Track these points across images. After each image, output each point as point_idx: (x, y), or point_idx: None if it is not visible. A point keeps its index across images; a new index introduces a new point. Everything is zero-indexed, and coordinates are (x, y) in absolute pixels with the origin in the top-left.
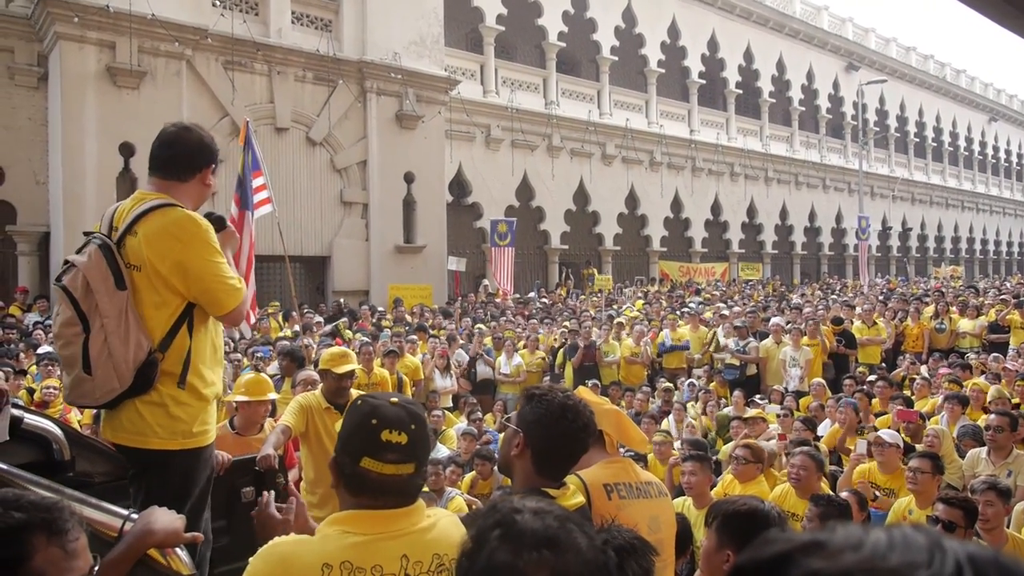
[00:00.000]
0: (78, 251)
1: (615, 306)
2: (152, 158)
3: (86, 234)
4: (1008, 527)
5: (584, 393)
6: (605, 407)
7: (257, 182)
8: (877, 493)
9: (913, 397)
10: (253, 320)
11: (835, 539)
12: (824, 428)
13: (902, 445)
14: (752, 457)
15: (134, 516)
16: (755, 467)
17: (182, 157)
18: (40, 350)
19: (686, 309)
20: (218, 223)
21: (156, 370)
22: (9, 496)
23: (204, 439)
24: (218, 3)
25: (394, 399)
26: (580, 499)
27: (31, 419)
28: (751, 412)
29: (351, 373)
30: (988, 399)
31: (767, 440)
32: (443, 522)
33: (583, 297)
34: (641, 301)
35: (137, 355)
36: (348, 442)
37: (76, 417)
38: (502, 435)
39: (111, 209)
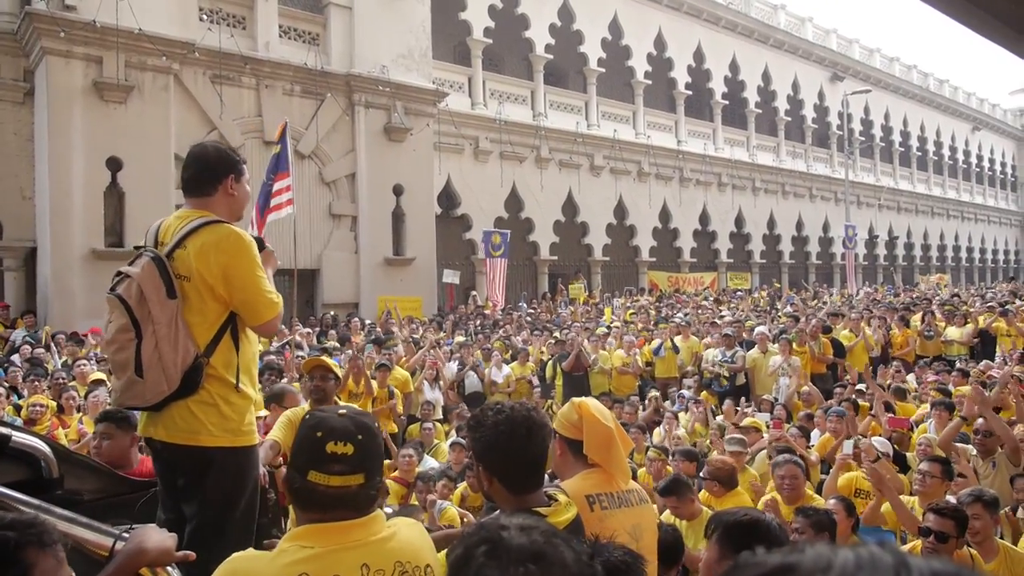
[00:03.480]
0: (130, 263)
1: (604, 321)
2: (182, 181)
3: (136, 248)
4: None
5: (586, 409)
6: (601, 427)
7: (281, 184)
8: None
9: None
10: None
11: (805, 562)
12: (816, 438)
13: (891, 453)
14: (714, 475)
15: (125, 535)
16: (715, 485)
17: (202, 173)
18: None
19: (674, 321)
20: (258, 244)
21: (201, 374)
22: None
23: (252, 438)
24: (205, 17)
25: (342, 411)
26: (572, 512)
27: (19, 437)
28: (744, 422)
29: (321, 370)
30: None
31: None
32: (404, 531)
33: (571, 308)
34: (631, 311)
35: (185, 359)
36: (296, 456)
37: (63, 433)
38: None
39: (155, 225)
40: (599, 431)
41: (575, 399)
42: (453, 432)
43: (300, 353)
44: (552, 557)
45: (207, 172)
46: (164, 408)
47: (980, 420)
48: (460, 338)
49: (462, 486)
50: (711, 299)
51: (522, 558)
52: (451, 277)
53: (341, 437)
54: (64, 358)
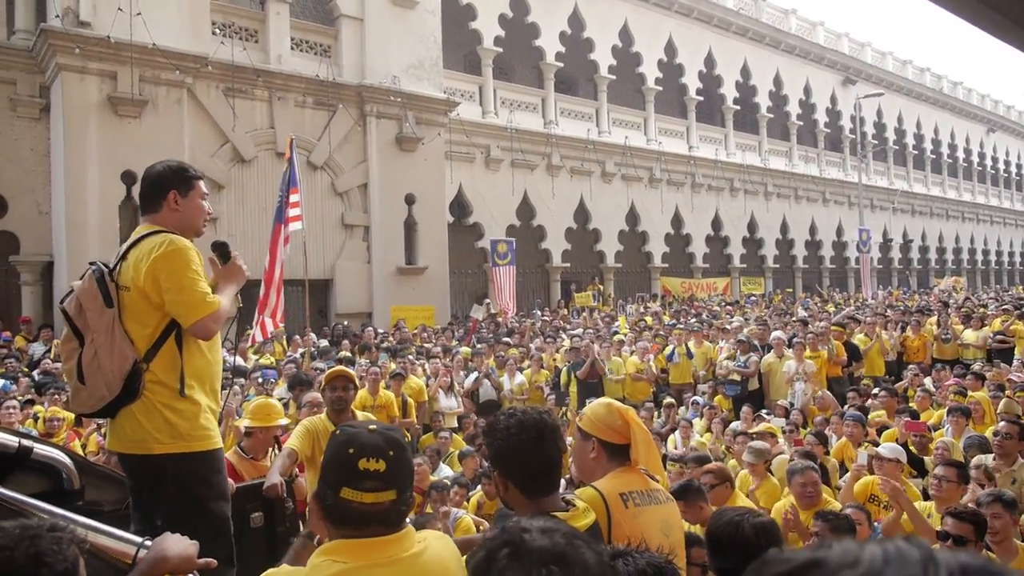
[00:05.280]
0: (80, 279)
1: (618, 327)
2: (141, 195)
3: (90, 264)
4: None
5: (631, 415)
6: (644, 432)
7: (292, 198)
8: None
9: (915, 408)
10: (270, 331)
11: (832, 557)
12: (833, 442)
13: (904, 459)
14: (717, 480)
15: (148, 543)
16: (725, 487)
17: (148, 191)
18: None
19: (687, 326)
20: (220, 248)
21: (141, 379)
22: (59, 527)
23: (207, 443)
24: (218, 31)
25: (372, 426)
26: (591, 518)
27: (41, 449)
28: (759, 427)
29: (343, 381)
30: (999, 411)
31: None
32: (434, 545)
33: (584, 315)
34: (650, 318)
35: (123, 365)
36: (327, 473)
37: (79, 444)
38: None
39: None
40: (645, 437)
41: (613, 403)
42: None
43: (316, 365)
44: (574, 559)
45: (151, 189)
46: (116, 417)
47: (1002, 423)
48: (466, 349)
49: (478, 494)
50: (726, 304)
51: (544, 560)
52: (477, 312)
53: (373, 453)
54: None
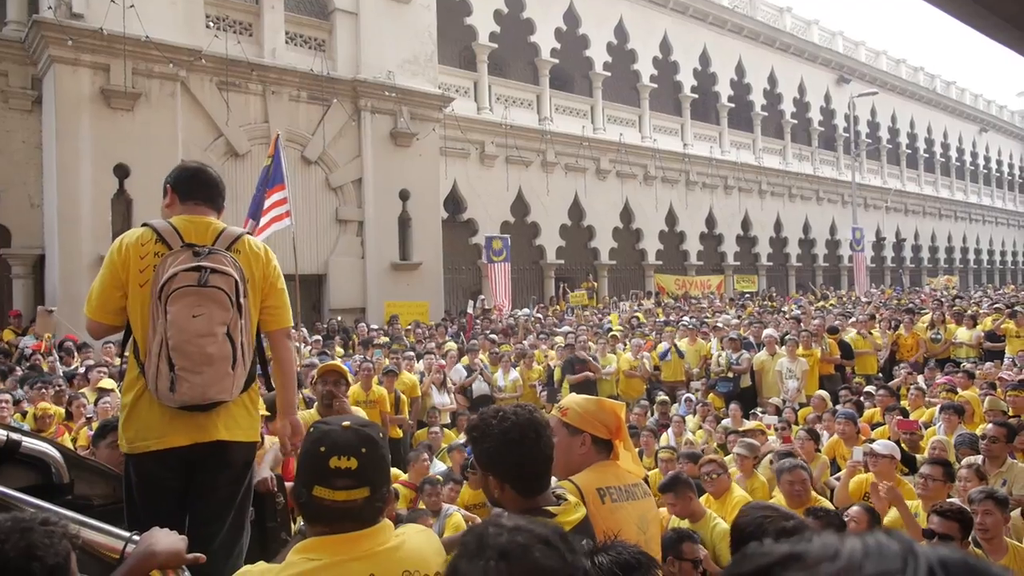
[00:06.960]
0: (201, 258)
1: (609, 322)
2: (205, 189)
3: (189, 245)
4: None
5: (624, 413)
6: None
7: (277, 196)
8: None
9: (908, 407)
10: None
11: (812, 550)
12: (825, 439)
13: (898, 456)
14: (721, 468)
15: (136, 538)
16: (725, 477)
17: (221, 193)
18: None
19: (681, 324)
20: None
21: (255, 370)
22: (51, 521)
23: None
24: (212, 24)
25: (346, 423)
26: (582, 512)
27: (30, 442)
28: (749, 425)
29: (335, 375)
30: (984, 409)
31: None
32: (413, 539)
33: (577, 311)
34: (642, 315)
35: (251, 356)
36: (301, 471)
37: (68, 438)
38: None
39: (166, 224)
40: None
41: (601, 399)
42: (463, 437)
43: (311, 361)
44: (518, 556)
45: (222, 193)
46: (220, 407)
47: (990, 426)
48: (451, 344)
49: (476, 494)
50: (719, 301)
51: (489, 555)
52: (471, 308)
53: (344, 451)
54: (75, 365)
